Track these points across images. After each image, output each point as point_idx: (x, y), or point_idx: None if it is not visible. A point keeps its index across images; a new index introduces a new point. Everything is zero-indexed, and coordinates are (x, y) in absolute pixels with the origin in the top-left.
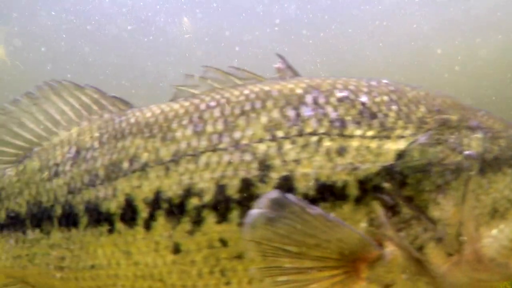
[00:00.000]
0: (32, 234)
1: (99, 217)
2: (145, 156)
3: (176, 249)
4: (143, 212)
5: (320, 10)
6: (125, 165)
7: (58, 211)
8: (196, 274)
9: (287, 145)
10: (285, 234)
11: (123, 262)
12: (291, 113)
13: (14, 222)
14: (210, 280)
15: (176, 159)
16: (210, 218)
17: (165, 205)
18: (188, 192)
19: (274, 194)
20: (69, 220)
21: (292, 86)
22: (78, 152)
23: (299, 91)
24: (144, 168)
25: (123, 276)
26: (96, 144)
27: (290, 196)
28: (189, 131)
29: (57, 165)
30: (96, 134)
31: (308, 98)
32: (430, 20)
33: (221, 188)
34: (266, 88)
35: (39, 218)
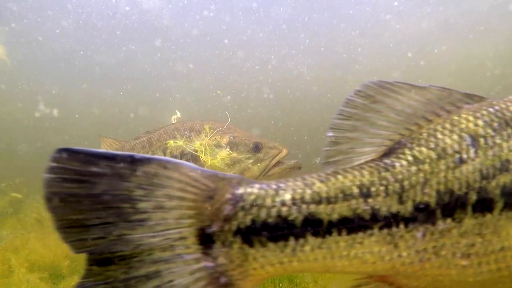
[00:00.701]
0: (443, 224)
1: None
2: None
3: None
4: None
5: (314, 11)
6: None
7: (473, 197)
8: None
9: None
10: None
11: None
12: None
13: (423, 214)
14: None
15: None
16: None
17: None
18: None
19: None
20: (483, 205)
21: None
22: (474, 139)
23: None
24: None
25: None
26: (490, 132)
27: None
28: None
29: (458, 152)
30: (481, 123)
31: None
32: (427, 20)
33: None
34: None
35: (451, 207)
